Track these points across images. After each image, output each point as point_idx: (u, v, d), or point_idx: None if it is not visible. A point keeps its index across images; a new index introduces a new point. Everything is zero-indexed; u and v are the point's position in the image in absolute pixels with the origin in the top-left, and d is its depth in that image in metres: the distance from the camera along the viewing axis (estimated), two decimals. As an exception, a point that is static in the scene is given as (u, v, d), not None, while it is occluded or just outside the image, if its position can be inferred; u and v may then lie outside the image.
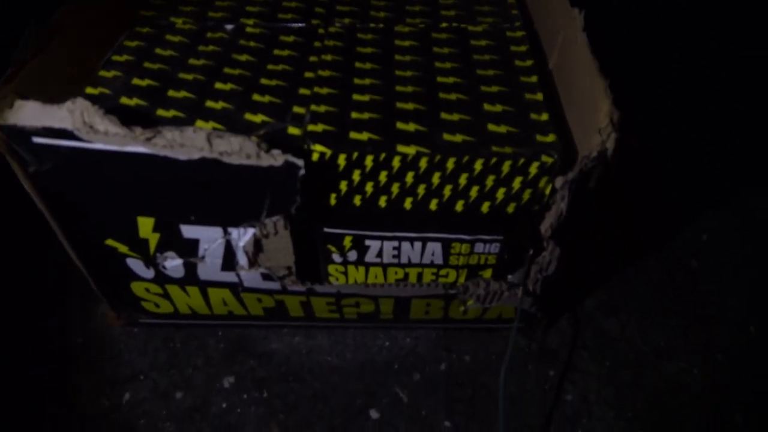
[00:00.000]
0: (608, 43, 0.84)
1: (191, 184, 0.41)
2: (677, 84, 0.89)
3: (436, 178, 0.43)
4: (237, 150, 0.38)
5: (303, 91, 0.47)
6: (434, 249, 0.48)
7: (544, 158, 0.41)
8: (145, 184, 0.42)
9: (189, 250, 0.47)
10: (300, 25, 0.55)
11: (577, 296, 0.61)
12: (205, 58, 0.50)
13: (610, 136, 0.38)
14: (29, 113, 0.38)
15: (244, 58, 0.51)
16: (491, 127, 0.43)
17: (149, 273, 0.50)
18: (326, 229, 0.47)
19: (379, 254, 0.49)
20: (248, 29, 0.55)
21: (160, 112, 0.44)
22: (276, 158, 0.38)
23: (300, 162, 0.39)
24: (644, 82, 0.89)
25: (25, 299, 0.60)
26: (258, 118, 0.44)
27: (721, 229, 0.67)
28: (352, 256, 0.49)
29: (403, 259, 0.50)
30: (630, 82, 0.87)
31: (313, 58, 0.51)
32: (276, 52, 0.52)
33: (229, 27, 0.55)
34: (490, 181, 0.42)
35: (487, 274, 0.51)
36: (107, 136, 0.38)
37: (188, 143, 0.38)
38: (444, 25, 0.55)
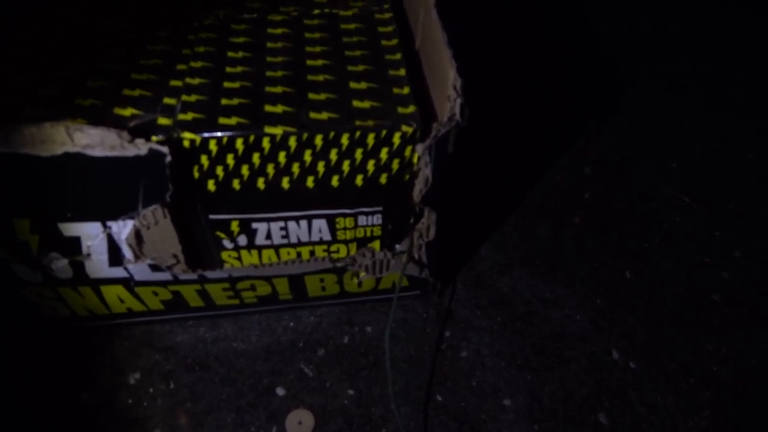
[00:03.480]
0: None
1: (60, 181, 0.42)
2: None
3: (308, 156, 0.45)
4: (99, 142, 0.39)
5: (174, 83, 0.48)
6: (320, 226, 0.50)
7: (405, 128, 0.43)
8: (14, 184, 0.42)
9: (72, 248, 0.47)
10: (173, 20, 0.56)
11: (470, 258, 0.64)
12: (78, 54, 0.50)
13: (456, 102, 0.41)
14: None
15: (116, 53, 0.51)
16: (356, 103, 0.46)
17: (37, 277, 0.50)
18: (211, 216, 0.48)
19: (269, 236, 0.51)
20: (122, 26, 0.55)
21: (28, 111, 0.44)
22: (140, 147, 0.39)
23: (164, 149, 0.40)
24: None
25: None
26: (127, 112, 0.45)
27: (601, 187, 0.73)
28: (242, 240, 0.51)
29: (293, 239, 0.51)
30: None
31: (186, 51, 0.52)
32: (149, 47, 0.52)
33: (105, 23, 0.55)
34: (359, 154, 0.45)
35: (376, 245, 0.53)
36: (-38, 139, 0.38)
37: (48, 139, 0.38)
38: (316, 11, 0.57)
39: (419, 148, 0.44)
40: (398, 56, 0.51)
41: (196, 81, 0.48)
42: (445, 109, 0.43)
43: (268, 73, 0.49)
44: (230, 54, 0.51)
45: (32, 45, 0.52)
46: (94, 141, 0.39)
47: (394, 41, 0.53)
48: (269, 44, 0.53)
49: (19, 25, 0.54)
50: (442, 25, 0.45)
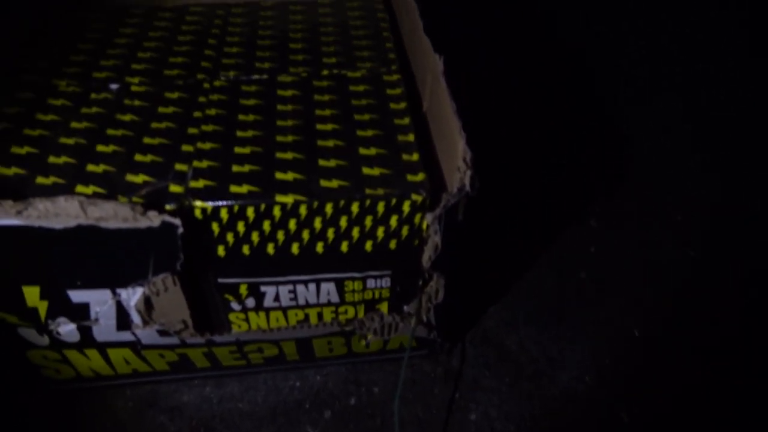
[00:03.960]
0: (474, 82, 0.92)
1: (72, 251, 0.42)
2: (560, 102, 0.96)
3: (318, 223, 0.45)
4: (112, 215, 0.39)
5: (186, 147, 0.48)
6: (329, 289, 0.50)
7: (414, 197, 0.44)
8: (25, 253, 0.42)
9: (80, 314, 0.47)
10: (186, 81, 0.57)
11: (478, 317, 0.64)
12: (87, 121, 0.51)
13: (466, 174, 0.41)
14: None
15: (128, 117, 0.52)
16: (366, 170, 0.46)
17: (43, 340, 0.49)
18: (220, 280, 0.48)
19: (277, 298, 0.50)
20: (133, 88, 0.56)
21: (40, 179, 0.45)
22: (153, 219, 0.40)
23: (177, 221, 0.40)
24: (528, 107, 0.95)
25: None
26: (139, 179, 0.45)
27: (607, 242, 0.73)
28: (251, 303, 0.51)
29: (301, 301, 0.51)
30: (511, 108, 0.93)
31: (197, 114, 0.52)
32: (161, 109, 0.53)
33: (113, 87, 0.56)
34: (368, 221, 0.45)
35: (384, 306, 0.53)
36: (-23, 213, 0.38)
37: (62, 212, 0.39)
38: (325, 72, 0.58)
39: (429, 217, 0.44)
40: (407, 120, 0.52)
41: (207, 146, 0.48)
42: (455, 178, 0.43)
43: (279, 138, 0.49)
44: (241, 117, 0.52)
45: (40, 106, 0.53)
46: (108, 214, 0.39)
47: (403, 104, 0.54)
48: (279, 107, 0.53)
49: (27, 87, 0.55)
50: (451, 94, 0.46)
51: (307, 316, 0.53)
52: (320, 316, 0.53)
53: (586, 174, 0.82)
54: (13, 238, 0.40)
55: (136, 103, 0.54)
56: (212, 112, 0.52)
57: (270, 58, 0.61)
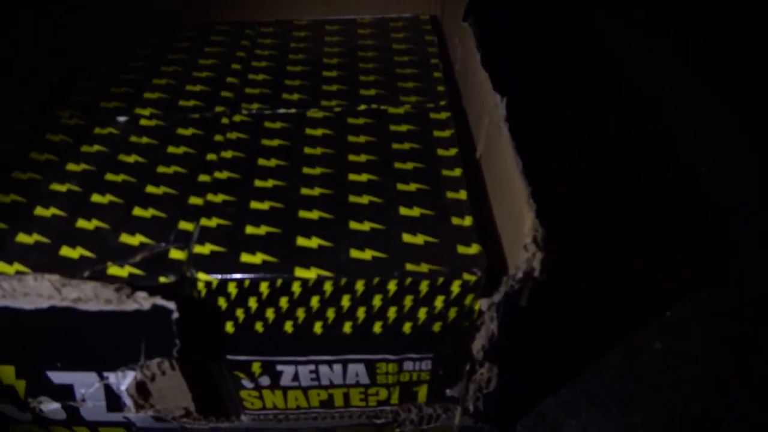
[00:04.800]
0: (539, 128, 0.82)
1: (49, 332, 0.35)
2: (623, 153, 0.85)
3: (346, 301, 0.37)
4: (92, 296, 0.32)
5: (194, 200, 0.41)
6: (357, 370, 0.42)
7: (466, 276, 0.35)
8: (-6, 333, 0.35)
9: (64, 394, 0.40)
10: (202, 114, 0.50)
11: (533, 399, 0.55)
12: (86, 162, 0.44)
13: (535, 255, 0.32)
14: None
15: (132, 159, 0.45)
16: (406, 237, 0.38)
17: (26, 416, 0.43)
18: (230, 357, 0.40)
19: (296, 378, 0.42)
20: (143, 121, 0.49)
21: (21, 237, 0.38)
22: (141, 303, 0.32)
23: (171, 305, 0.32)
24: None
25: None
26: (136, 240, 0.38)
27: (685, 305, 0.62)
28: (265, 381, 0.43)
29: (324, 382, 0.43)
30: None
31: (211, 156, 0.45)
32: (170, 149, 0.46)
33: (121, 120, 0.49)
34: (408, 301, 0.37)
35: (423, 390, 0.44)
36: (-69, 289, 0.31)
37: (32, 292, 0.31)
38: (362, 107, 0.50)
39: (484, 303, 0.35)
40: (458, 172, 0.43)
41: (219, 198, 0.41)
42: (518, 257, 0.34)
43: (304, 191, 0.42)
44: (261, 162, 0.44)
45: (37, 143, 0.46)
46: (87, 296, 0.32)
47: (453, 151, 0.45)
48: (307, 150, 0.46)
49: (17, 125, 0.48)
50: (515, 148, 0.37)
51: (330, 396, 0.45)
52: (346, 396, 0.45)
53: (666, 244, 0.71)
54: (-22, 316, 0.33)
55: (144, 140, 0.47)
56: (228, 154, 0.45)
57: (300, 88, 0.53)
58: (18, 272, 0.35)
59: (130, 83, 0.54)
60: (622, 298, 0.63)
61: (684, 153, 0.82)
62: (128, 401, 0.40)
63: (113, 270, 0.36)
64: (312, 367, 0.42)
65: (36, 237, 0.38)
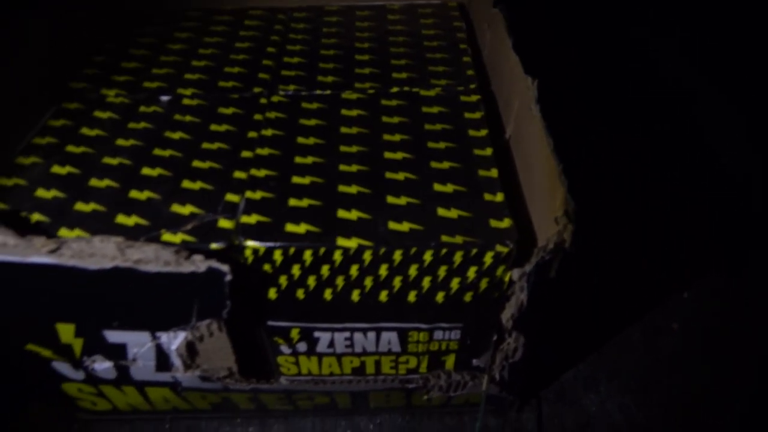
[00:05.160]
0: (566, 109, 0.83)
1: (109, 292, 0.37)
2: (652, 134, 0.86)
3: (383, 270, 0.39)
4: (153, 258, 0.34)
5: (238, 174, 0.43)
6: (390, 338, 0.44)
7: (499, 248, 0.37)
8: (59, 292, 0.37)
9: (117, 353, 0.42)
10: (241, 95, 0.52)
11: (553, 372, 0.57)
12: (134, 138, 0.47)
13: (566, 228, 0.34)
14: None
15: (177, 135, 0.47)
16: (441, 211, 0.40)
17: (79, 375, 0.45)
18: (270, 323, 0.43)
19: (331, 345, 0.45)
20: (185, 101, 0.51)
21: (79, 205, 0.40)
22: (198, 265, 0.35)
23: (225, 267, 0.35)
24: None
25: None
26: (186, 210, 0.40)
27: (704, 286, 0.64)
28: (302, 347, 0.45)
29: (358, 349, 0.45)
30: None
31: (252, 134, 0.47)
32: (213, 127, 0.48)
33: (164, 99, 0.51)
34: (442, 271, 0.39)
35: (451, 359, 0.47)
36: (5, 248, 0.34)
37: (97, 253, 0.34)
38: (395, 89, 0.52)
39: (516, 273, 0.37)
40: (488, 152, 0.45)
41: (262, 173, 0.43)
42: (549, 229, 0.36)
43: (342, 167, 0.44)
44: (300, 140, 0.46)
45: (87, 119, 0.48)
46: (148, 257, 0.34)
47: (483, 132, 0.47)
48: (343, 129, 0.48)
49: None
50: (547, 128, 0.39)
51: (363, 364, 0.47)
52: (378, 364, 0.47)
53: (688, 221, 0.72)
54: (46, 275, 0.36)
55: (188, 118, 0.49)
56: (269, 132, 0.47)
57: (334, 70, 0.55)
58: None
59: (170, 65, 0.56)
60: (642, 280, 0.65)
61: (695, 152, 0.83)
62: (177, 361, 0.42)
63: (167, 237, 0.38)
64: (347, 334, 0.44)
65: (93, 206, 0.40)
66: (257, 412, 0.52)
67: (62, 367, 0.44)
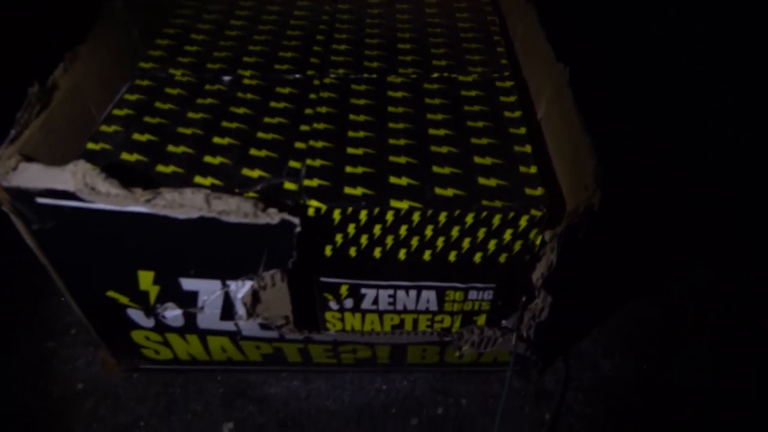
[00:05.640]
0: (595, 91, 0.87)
1: (190, 241, 0.42)
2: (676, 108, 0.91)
3: (429, 231, 0.44)
4: (235, 209, 0.39)
5: (299, 144, 0.48)
6: (429, 297, 0.49)
7: (533, 212, 0.42)
8: (146, 240, 0.43)
9: (188, 301, 0.48)
10: (296, 76, 0.57)
11: (574, 337, 0.61)
12: (203, 112, 0.52)
13: (595, 193, 0.39)
14: (33, 175, 0.40)
15: (241, 110, 0.52)
16: (481, 180, 0.45)
17: (149, 322, 0.51)
18: (323, 279, 0.48)
19: (375, 302, 0.50)
20: (245, 81, 0.56)
21: (160, 167, 0.46)
22: (273, 216, 0.40)
23: (296, 220, 0.40)
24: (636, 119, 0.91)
25: (24, 345, 0.60)
26: (255, 174, 0.45)
27: (717, 272, 0.68)
28: (349, 303, 0.50)
29: (399, 306, 0.50)
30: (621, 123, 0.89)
31: (308, 111, 0.52)
32: (272, 104, 0.53)
33: (226, 78, 0.57)
34: (481, 233, 0.44)
35: (482, 319, 0.52)
36: (108, 197, 0.39)
37: (187, 203, 0.39)
38: (435, 75, 0.57)
39: (548, 234, 0.42)
40: (522, 131, 0.50)
41: (319, 144, 0.48)
42: (578, 196, 0.41)
43: (391, 141, 0.49)
44: (352, 117, 0.52)
45: (159, 94, 0.54)
46: (230, 208, 0.39)
47: (517, 113, 0.52)
48: (390, 108, 0.53)
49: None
50: (578, 108, 0.44)
51: (402, 321, 0.52)
52: (415, 322, 0.52)
53: (713, 200, 0.77)
54: (137, 224, 0.41)
55: (249, 96, 0.54)
56: (323, 110, 0.52)
57: (378, 57, 0.60)
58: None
59: (228, 49, 0.61)
60: (662, 261, 0.70)
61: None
62: (241, 309, 0.48)
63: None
64: (391, 291, 0.49)
65: (172, 168, 0.46)
66: (302, 366, 0.57)
67: (136, 314, 0.50)
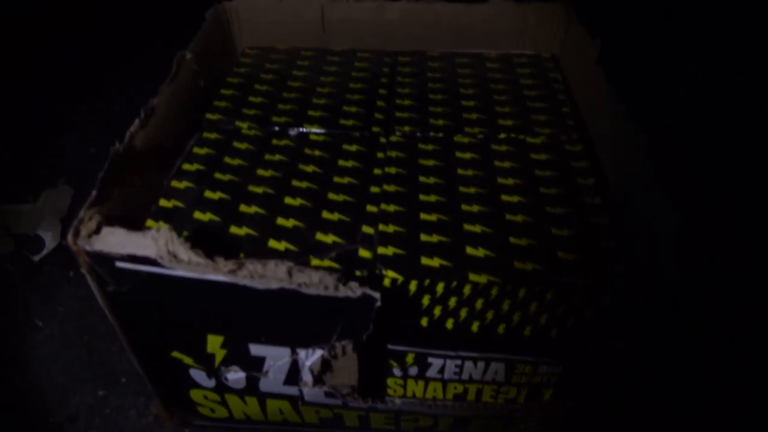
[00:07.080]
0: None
1: (266, 309, 0.42)
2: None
3: (506, 305, 0.43)
4: (316, 282, 0.39)
5: (370, 208, 0.48)
6: (497, 368, 0.48)
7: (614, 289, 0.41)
8: (220, 307, 0.42)
9: (254, 365, 0.47)
10: (363, 133, 0.57)
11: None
12: (272, 169, 0.52)
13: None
14: (114, 240, 0.39)
15: (310, 168, 0.52)
16: (561, 254, 0.44)
17: (210, 383, 0.50)
18: (390, 346, 0.47)
19: (441, 371, 0.49)
20: (312, 136, 0.56)
21: (234, 229, 0.45)
22: (354, 290, 0.39)
23: (377, 295, 0.39)
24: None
25: (74, 393, 0.60)
26: (329, 239, 0.45)
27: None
28: (413, 371, 0.49)
29: (465, 377, 0.49)
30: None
31: (377, 171, 0.52)
32: (341, 162, 0.53)
33: (293, 133, 0.57)
34: (560, 310, 0.42)
35: (549, 391, 0.50)
36: (190, 265, 0.39)
37: (269, 275, 0.38)
38: (503, 135, 0.56)
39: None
40: (598, 200, 0.49)
41: (391, 208, 0.48)
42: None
43: (464, 207, 0.48)
44: (422, 179, 0.51)
45: (227, 148, 0.54)
46: (312, 281, 0.38)
47: (591, 180, 0.51)
48: (459, 171, 0.52)
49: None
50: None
51: (465, 391, 0.51)
52: (479, 392, 0.50)
53: None
54: (214, 292, 0.40)
55: (317, 153, 0.54)
56: (392, 170, 0.52)
57: (443, 114, 0.60)
58: (239, 258, 0.42)
59: (292, 101, 0.61)
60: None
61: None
62: (307, 376, 0.46)
63: (315, 262, 0.43)
64: (458, 362, 0.48)
65: (246, 230, 0.45)
66: (359, 430, 0.56)
67: (198, 374, 0.49)
